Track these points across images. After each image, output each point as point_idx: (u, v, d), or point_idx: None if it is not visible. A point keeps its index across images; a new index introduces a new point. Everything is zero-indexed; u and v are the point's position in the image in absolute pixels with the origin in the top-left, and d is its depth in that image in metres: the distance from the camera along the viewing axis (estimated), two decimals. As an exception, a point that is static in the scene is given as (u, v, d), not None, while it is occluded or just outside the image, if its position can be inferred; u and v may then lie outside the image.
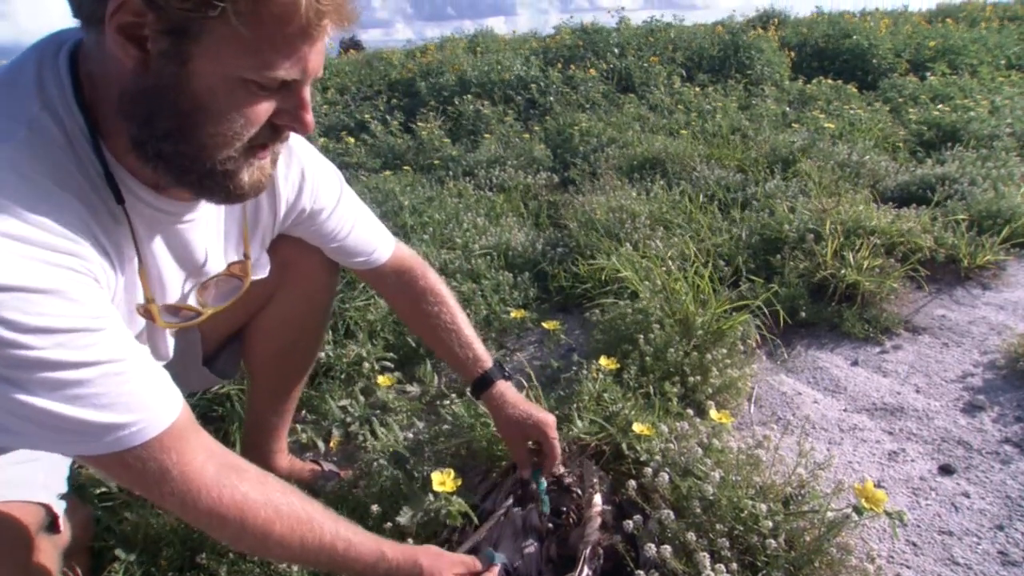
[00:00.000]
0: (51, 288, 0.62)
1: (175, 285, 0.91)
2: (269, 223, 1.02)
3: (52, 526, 0.90)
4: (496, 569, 1.04)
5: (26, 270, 0.60)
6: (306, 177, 1.02)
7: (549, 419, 1.20)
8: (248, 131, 0.70)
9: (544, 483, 1.20)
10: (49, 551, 0.88)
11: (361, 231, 1.14)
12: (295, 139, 0.99)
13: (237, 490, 0.78)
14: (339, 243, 1.12)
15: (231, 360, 1.29)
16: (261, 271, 1.06)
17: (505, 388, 1.21)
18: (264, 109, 0.69)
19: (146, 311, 0.86)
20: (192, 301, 0.97)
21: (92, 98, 0.70)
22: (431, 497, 1.17)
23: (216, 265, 0.96)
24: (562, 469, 1.33)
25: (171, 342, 1.02)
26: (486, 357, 1.23)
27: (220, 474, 0.77)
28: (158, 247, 0.84)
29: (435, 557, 0.98)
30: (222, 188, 0.74)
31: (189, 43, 0.62)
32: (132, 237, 0.78)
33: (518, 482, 1.29)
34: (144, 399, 0.69)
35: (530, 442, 1.22)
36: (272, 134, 0.74)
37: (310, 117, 0.74)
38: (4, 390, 0.61)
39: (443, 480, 1.15)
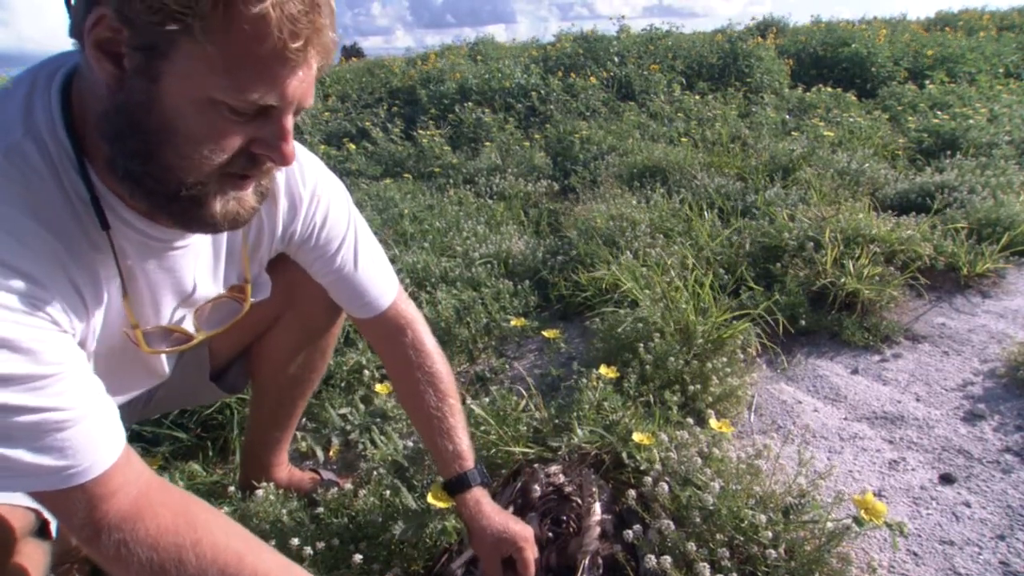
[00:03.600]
0: (3, 339, 0.62)
1: (168, 309, 0.90)
2: (268, 244, 0.99)
3: (43, 531, 0.90)
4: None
5: None
6: (307, 198, 0.97)
7: (526, 533, 1.09)
8: (217, 156, 0.66)
9: None
10: (35, 556, 0.87)
11: (365, 268, 1.07)
12: (306, 158, 0.97)
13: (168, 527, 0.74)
14: (338, 277, 1.05)
15: (240, 375, 1.29)
16: (262, 291, 1.03)
17: (482, 495, 1.09)
18: (237, 136, 0.66)
19: (132, 337, 0.85)
20: (187, 325, 0.95)
21: (81, 119, 0.69)
22: (428, 509, 1.16)
23: (207, 290, 0.94)
24: (562, 478, 1.33)
25: (166, 361, 1.01)
26: (468, 455, 1.11)
27: (147, 514, 0.74)
28: (149, 272, 0.83)
29: None
30: (190, 215, 0.71)
31: (160, 60, 0.61)
32: (116, 264, 0.76)
33: (519, 490, 1.29)
34: (83, 445, 0.68)
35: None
36: (250, 164, 0.70)
37: (289, 148, 0.69)
38: None
39: (437, 496, 1.13)
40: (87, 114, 0.68)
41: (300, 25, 0.61)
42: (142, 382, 1.01)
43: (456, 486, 1.10)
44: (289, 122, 0.69)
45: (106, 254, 0.75)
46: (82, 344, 0.76)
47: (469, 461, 1.11)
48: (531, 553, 1.08)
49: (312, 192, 0.98)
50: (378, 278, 1.09)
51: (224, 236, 0.92)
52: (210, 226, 0.73)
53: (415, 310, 1.16)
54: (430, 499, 1.13)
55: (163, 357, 0.99)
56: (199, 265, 0.90)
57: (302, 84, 0.66)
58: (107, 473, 0.70)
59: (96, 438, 0.70)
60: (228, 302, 0.98)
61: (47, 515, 0.89)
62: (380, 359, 1.24)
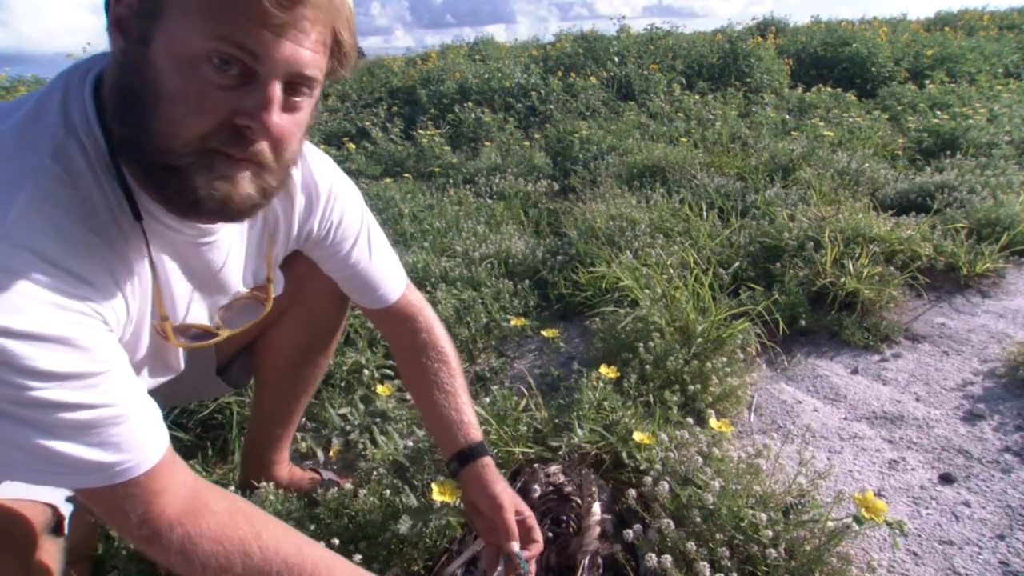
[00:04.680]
0: (62, 336, 0.63)
1: (193, 305, 0.91)
2: (284, 241, 1.00)
3: (57, 528, 0.91)
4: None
5: (41, 318, 0.62)
6: (324, 195, 0.98)
7: (518, 502, 1.08)
8: (198, 120, 0.63)
9: (527, 565, 1.06)
10: (53, 552, 0.88)
11: (378, 263, 1.09)
12: (319, 157, 0.97)
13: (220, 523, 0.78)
14: (352, 272, 1.07)
15: (243, 371, 1.30)
16: (277, 289, 1.04)
17: (492, 464, 1.09)
18: (217, 99, 0.62)
19: (161, 329, 0.86)
20: (208, 321, 0.96)
21: (109, 114, 0.70)
22: (431, 506, 1.16)
23: (232, 287, 0.95)
24: (562, 477, 1.33)
25: (183, 355, 1.02)
26: (477, 429, 1.12)
27: (194, 509, 0.77)
28: (175, 267, 0.83)
29: None
30: (180, 195, 0.67)
31: (152, 22, 0.61)
32: (148, 255, 0.77)
33: (519, 490, 1.29)
34: (135, 440, 0.71)
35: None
36: (234, 138, 0.65)
37: (272, 118, 0.64)
38: (7, 427, 0.63)
39: (442, 490, 1.14)
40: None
41: None
42: (159, 375, 1.02)
43: (469, 455, 1.09)
44: (274, 90, 0.64)
45: (138, 246, 0.75)
46: (119, 340, 0.77)
47: (479, 434, 1.12)
48: (537, 531, 1.07)
49: (329, 190, 0.98)
50: (389, 270, 1.11)
51: (245, 234, 0.93)
52: (192, 203, 0.67)
53: (422, 298, 1.20)
54: (435, 494, 1.13)
55: (180, 352, 1.00)
56: (225, 261, 0.90)
57: (294, 49, 0.63)
58: (157, 468, 0.73)
59: (145, 434, 0.72)
60: (250, 302, 1.00)
61: (63, 511, 0.91)
62: (390, 346, 1.24)
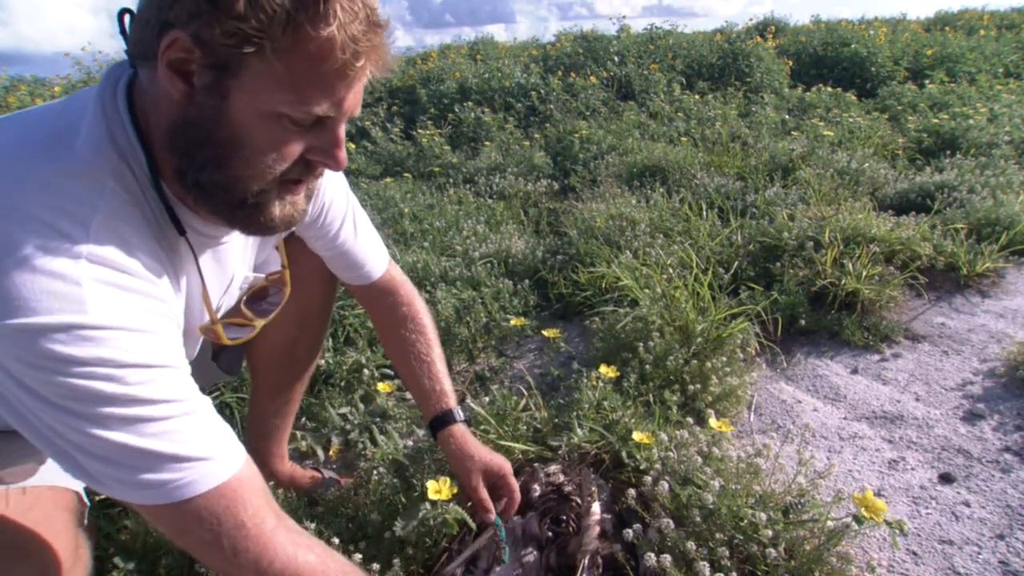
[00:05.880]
0: (148, 328, 0.67)
1: (217, 300, 0.95)
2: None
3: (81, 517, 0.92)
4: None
5: (128, 311, 0.65)
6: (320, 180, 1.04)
7: (507, 463, 1.19)
8: (280, 165, 0.72)
9: (504, 532, 1.15)
10: (83, 540, 0.90)
11: (362, 241, 1.15)
12: None
13: (309, 557, 0.77)
14: (339, 251, 1.13)
15: (234, 357, 1.31)
16: (271, 268, 1.10)
17: (466, 431, 1.19)
18: (297, 145, 0.71)
19: (212, 331, 0.93)
20: (230, 311, 1.01)
21: (148, 134, 0.73)
22: (428, 506, 1.16)
23: (240, 276, 1.00)
24: (562, 477, 1.33)
25: (199, 347, 1.06)
26: (452, 396, 1.21)
27: (291, 537, 0.76)
28: (211, 270, 0.89)
29: None
30: (252, 220, 0.76)
31: (230, 78, 0.65)
32: (195, 264, 0.82)
33: (520, 491, 1.29)
34: (216, 439, 0.71)
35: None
36: (305, 170, 0.75)
37: (343, 155, 0.75)
38: (82, 425, 0.62)
39: (439, 488, 1.15)
40: (152, 128, 0.72)
41: (361, 45, 0.65)
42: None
43: (441, 422, 1.18)
44: (342, 131, 0.73)
45: (184, 257, 0.81)
46: None
47: (453, 400, 1.20)
48: (514, 481, 1.17)
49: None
50: (373, 249, 1.18)
51: None
52: (269, 229, 0.78)
53: (403, 274, 1.28)
54: (430, 492, 1.14)
55: (197, 344, 1.03)
56: (240, 255, 0.97)
57: (356, 96, 0.71)
58: (242, 473, 0.72)
59: (225, 432, 0.73)
60: (274, 289, 1.05)
61: (85, 499, 0.93)
62: (373, 320, 1.31)
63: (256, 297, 1.08)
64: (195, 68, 0.65)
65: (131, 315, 0.65)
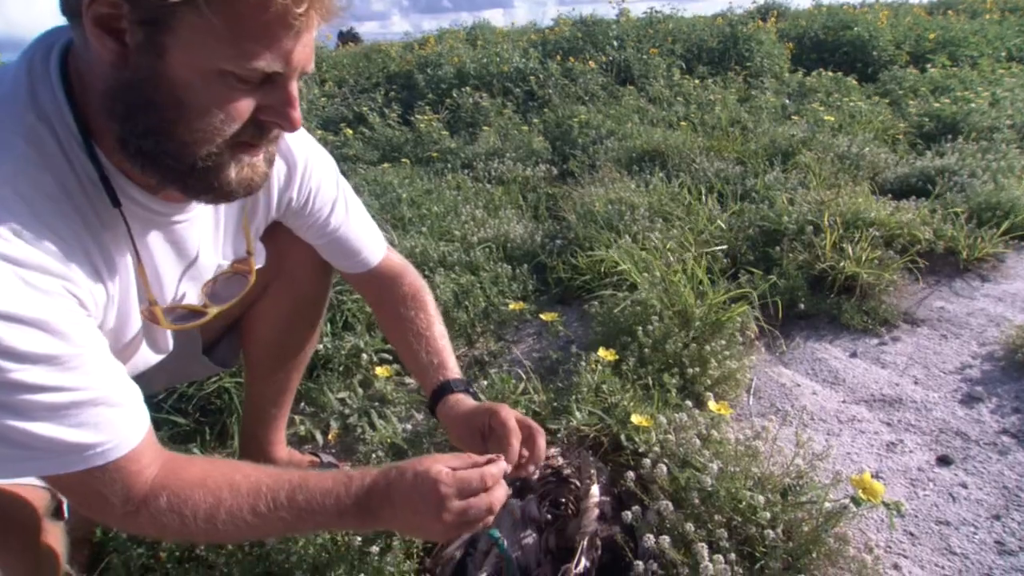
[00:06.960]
0: (37, 319, 0.62)
1: (172, 285, 0.90)
2: (264, 213, 1.01)
3: (57, 512, 0.91)
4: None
5: (18, 299, 0.61)
6: (301, 165, 0.99)
7: (502, 406, 1.00)
8: (229, 127, 0.67)
9: (504, 543, 1.05)
10: (57, 535, 0.89)
11: (356, 227, 1.11)
12: None
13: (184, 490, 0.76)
14: (332, 238, 1.09)
15: (231, 349, 1.29)
16: (259, 260, 1.05)
17: (461, 399, 1.05)
18: (246, 104, 0.67)
19: (150, 313, 0.86)
20: (195, 300, 0.96)
21: (83, 98, 0.68)
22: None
23: (208, 261, 0.95)
24: (561, 460, 1.33)
25: (171, 336, 1.02)
26: (454, 368, 1.10)
27: (169, 482, 0.76)
28: (155, 248, 0.83)
29: (416, 460, 0.83)
30: (207, 186, 0.72)
31: (164, 34, 0.60)
32: (130, 239, 0.77)
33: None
34: (115, 421, 0.70)
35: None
36: (258, 132, 0.71)
37: (297, 114, 0.70)
38: None
39: None
40: (88, 93, 0.68)
41: None
42: (148, 358, 1.02)
43: (439, 394, 1.06)
44: (295, 88, 0.69)
45: (118, 232, 0.75)
46: (101, 326, 0.77)
47: (455, 372, 1.09)
48: (507, 412, 0.97)
49: (306, 159, 1.00)
50: (368, 234, 1.13)
51: (223, 207, 0.93)
52: (226, 194, 0.73)
53: (403, 258, 1.22)
54: None
55: (168, 333, 0.99)
56: (202, 237, 0.91)
57: (305, 49, 0.67)
58: (138, 449, 0.73)
59: (125, 416, 0.72)
60: (233, 276, 1.00)
61: (61, 495, 0.91)
62: (374, 309, 1.25)
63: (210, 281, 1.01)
64: (125, 25, 0.60)
65: (16, 302, 0.61)
